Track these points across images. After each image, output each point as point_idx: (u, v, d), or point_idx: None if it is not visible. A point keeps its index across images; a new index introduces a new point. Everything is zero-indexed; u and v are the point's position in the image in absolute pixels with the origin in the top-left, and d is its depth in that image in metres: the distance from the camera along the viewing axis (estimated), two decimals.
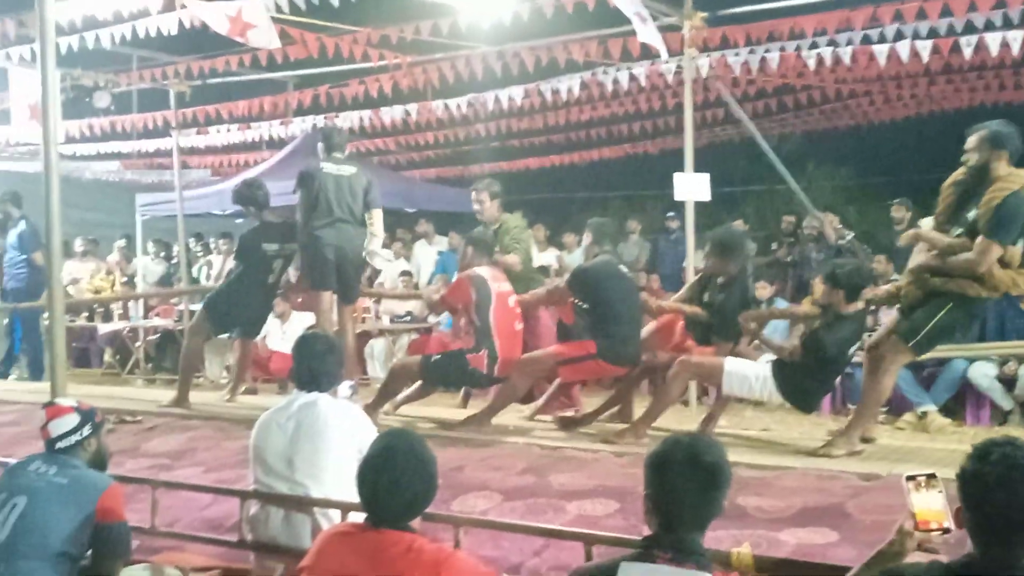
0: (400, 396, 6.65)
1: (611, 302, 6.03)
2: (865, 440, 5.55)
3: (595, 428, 6.27)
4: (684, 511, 2.47)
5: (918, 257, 5.43)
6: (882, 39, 9.44)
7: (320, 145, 7.24)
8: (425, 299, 7.12)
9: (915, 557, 2.47)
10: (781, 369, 5.54)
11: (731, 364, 5.66)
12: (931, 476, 2.51)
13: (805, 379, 5.52)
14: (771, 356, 5.79)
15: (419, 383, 6.65)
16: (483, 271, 6.32)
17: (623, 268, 6.35)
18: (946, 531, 2.43)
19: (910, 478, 2.51)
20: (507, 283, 6.45)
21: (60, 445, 3.77)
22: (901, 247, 9.70)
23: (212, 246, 13.23)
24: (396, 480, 2.77)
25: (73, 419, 3.82)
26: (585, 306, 6.12)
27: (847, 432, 5.43)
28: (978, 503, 2.28)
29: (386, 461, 2.81)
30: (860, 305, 5.47)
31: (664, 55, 8.24)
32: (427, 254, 12.03)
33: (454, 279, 6.54)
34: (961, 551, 2.34)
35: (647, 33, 7.80)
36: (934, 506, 2.45)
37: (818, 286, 7.17)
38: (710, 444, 2.57)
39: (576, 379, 6.48)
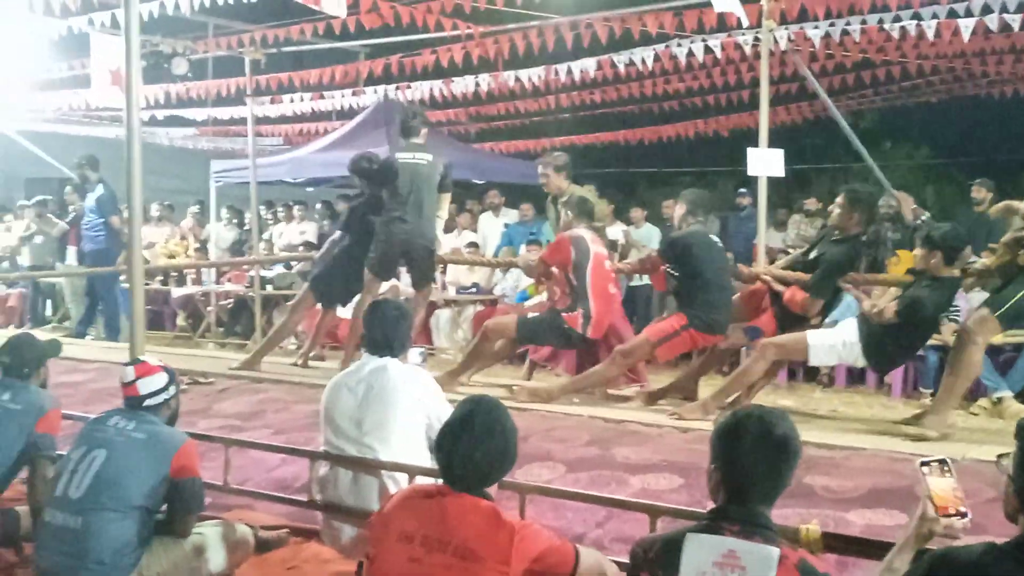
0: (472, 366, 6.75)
1: (702, 271, 6.05)
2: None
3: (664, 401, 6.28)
4: (753, 484, 2.45)
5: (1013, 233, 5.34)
6: (968, 13, 9.14)
7: (397, 130, 7.28)
8: (523, 264, 7.14)
9: (935, 543, 2.44)
10: (868, 332, 5.50)
11: (814, 337, 5.64)
12: (942, 461, 2.53)
13: (892, 342, 5.51)
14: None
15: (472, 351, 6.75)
16: (583, 232, 6.40)
17: (715, 238, 6.37)
18: (963, 515, 2.44)
19: (924, 464, 2.52)
20: (604, 247, 6.56)
21: (149, 403, 3.87)
22: (982, 225, 9.51)
23: (281, 213, 13.40)
24: (474, 445, 2.78)
25: (162, 378, 3.93)
26: (676, 274, 6.16)
27: (938, 411, 5.39)
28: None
29: (466, 425, 2.82)
30: (956, 272, 5.40)
31: (745, 21, 8.04)
32: (494, 226, 12.03)
33: (556, 239, 6.59)
34: (983, 536, 2.30)
35: (724, 1, 7.64)
36: (949, 491, 2.47)
37: (894, 264, 7.03)
38: (781, 417, 2.53)
39: (674, 356, 6.47)
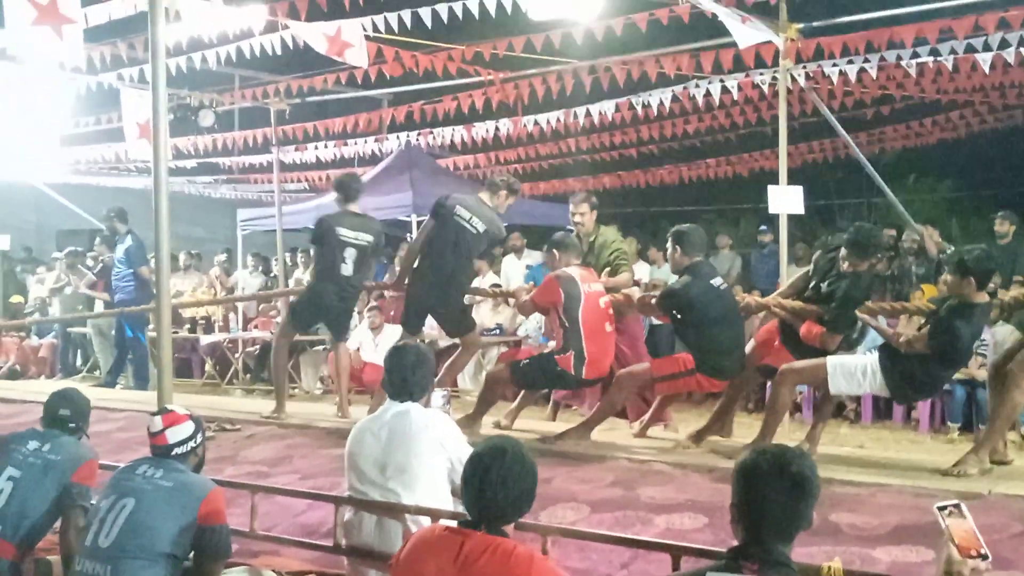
0: (513, 407, 6.87)
1: (705, 321, 5.90)
2: (999, 462, 5.38)
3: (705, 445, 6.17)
4: (770, 521, 2.46)
5: None
6: (987, 48, 9.18)
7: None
8: (515, 300, 7.04)
9: None
10: (892, 360, 5.35)
11: (834, 362, 5.50)
12: (956, 505, 2.54)
13: (922, 372, 5.33)
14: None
15: (522, 393, 6.81)
16: (572, 271, 6.30)
17: (715, 281, 6.08)
18: (984, 557, 2.44)
19: (940, 508, 2.53)
20: (598, 283, 6.43)
21: (177, 451, 3.91)
22: (1007, 257, 9.46)
23: (302, 259, 13.56)
24: (503, 478, 2.84)
25: (189, 427, 3.98)
26: (679, 316, 6.03)
27: (977, 450, 5.27)
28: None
29: (495, 458, 2.88)
30: (986, 297, 5.24)
31: (757, 37, 7.98)
32: (516, 268, 12.09)
33: (544, 280, 6.53)
34: (1013, 571, 2.30)
35: (747, 34, 7.65)
36: (969, 533, 2.48)
37: (917, 298, 6.99)
38: (798, 455, 2.55)
39: (673, 394, 6.42)
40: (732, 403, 6.51)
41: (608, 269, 6.95)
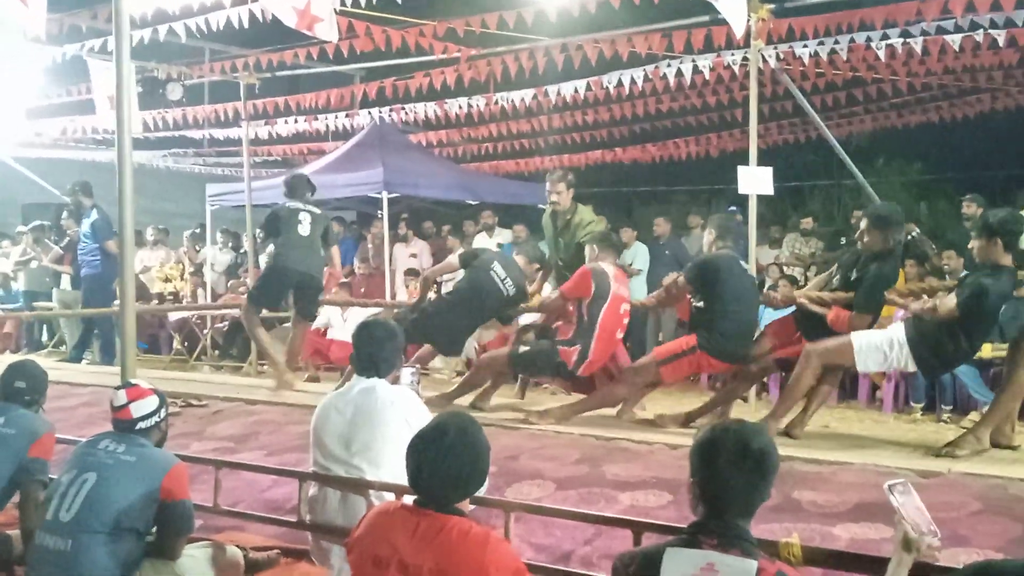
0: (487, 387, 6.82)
1: (726, 298, 5.90)
2: (1006, 446, 5.36)
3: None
4: (731, 497, 2.47)
5: None
6: (958, 29, 9.24)
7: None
8: (544, 304, 6.81)
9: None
10: (919, 331, 5.28)
11: (859, 339, 5.42)
12: (904, 483, 2.61)
13: (950, 340, 5.24)
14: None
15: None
16: (608, 267, 6.26)
17: (744, 265, 6.13)
18: (934, 533, 2.51)
19: (891, 486, 2.59)
20: (627, 288, 6.43)
21: (141, 426, 3.89)
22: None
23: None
24: (443, 457, 2.80)
25: (154, 401, 3.97)
26: (700, 303, 5.99)
27: (976, 430, 5.26)
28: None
29: (436, 438, 2.84)
30: (1010, 261, 5.16)
31: (740, 29, 7.97)
32: (488, 246, 12.07)
33: (577, 271, 6.40)
34: (969, 547, 2.35)
35: (731, 10, 7.61)
36: (918, 511, 2.54)
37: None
38: (758, 431, 2.56)
39: (679, 377, 6.35)
40: (735, 394, 6.45)
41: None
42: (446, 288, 8.03)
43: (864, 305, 5.62)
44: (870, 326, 5.64)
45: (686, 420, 6.21)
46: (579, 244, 7.01)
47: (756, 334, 6.22)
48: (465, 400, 6.70)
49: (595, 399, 6.30)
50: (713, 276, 5.92)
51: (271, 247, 7.99)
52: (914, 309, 5.42)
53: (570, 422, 6.14)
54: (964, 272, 5.53)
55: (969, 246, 5.66)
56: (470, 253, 7.05)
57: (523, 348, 6.44)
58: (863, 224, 5.75)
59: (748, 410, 7.11)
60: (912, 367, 5.45)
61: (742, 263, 6.10)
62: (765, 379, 7.90)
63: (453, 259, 7.11)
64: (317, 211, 7.76)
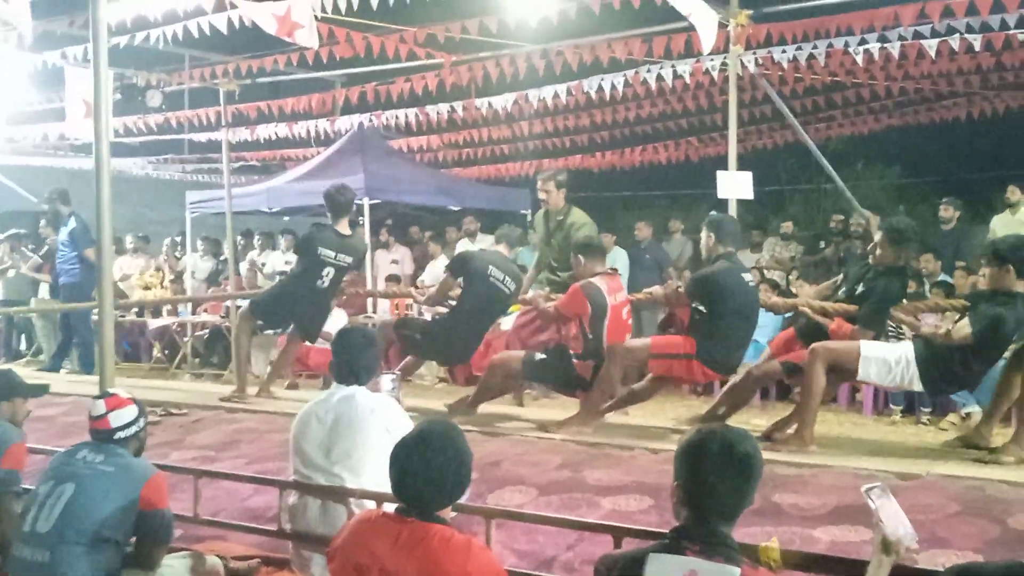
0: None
1: (726, 313, 5.75)
2: (984, 448, 5.34)
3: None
4: (716, 502, 2.46)
5: None
6: (935, 34, 9.32)
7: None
8: (538, 308, 6.63)
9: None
10: (930, 351, 5.20)
11: (868, 348, 5.33)
12: (881, 487, 2.65)
13: (961, 364, 5.17)
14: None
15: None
16: (599, 282, 6.11)
17: (746, 276, 5.97)
18: (911, 536, 2.54)
19: (869, 489, 2.62)
20: (623, 293, 6.30)
21: (120, 435, 3.85)
22: (950, 242, 9.63)
23: (258, 241, 13.44)
24: (427, 464, 2.80)
25: (133, 411, 3.93)
26: (702, 309, 5.84)
27: (1017, 438, 5.17)
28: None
29: (419, 444, 2.84)
30: (1022, 287, 5.10)
31: (709, 41, 8.03)
32: None
33: (570, 289, 6.26)
34: (947, 549, 2.37)
35: (703, 23, 7.65)
36: (897, 514, 2.57)
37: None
38: (744, 435, 2.55)
39: (661, 374, 6.11)
40: (741, 401, 6.21)
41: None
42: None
43: (868, 320, 5.52)
44: (875, 338, 5.54)
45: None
46: (573, 246, 7.00)
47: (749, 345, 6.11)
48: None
49: (600, 393, 6.05)
50: (715, 292, 5.77)
51: (296, 267, 7.60)
52: (925, 333, 5.36)
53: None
54: (970, 291, 5.44)
55: (980, 273, 5.60)
56: (459, 262, 6.88)
57: (539, 356, 6.29)
58: (877, 237, 5.65)
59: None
60: (917, 386, 5.32)
61: (744, 276, 5.89)
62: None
63: (448, 278, 6.91)
64: (345, 261, 7.33)
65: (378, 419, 4.07)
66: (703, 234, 6.02)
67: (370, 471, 4.02)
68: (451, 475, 2.84)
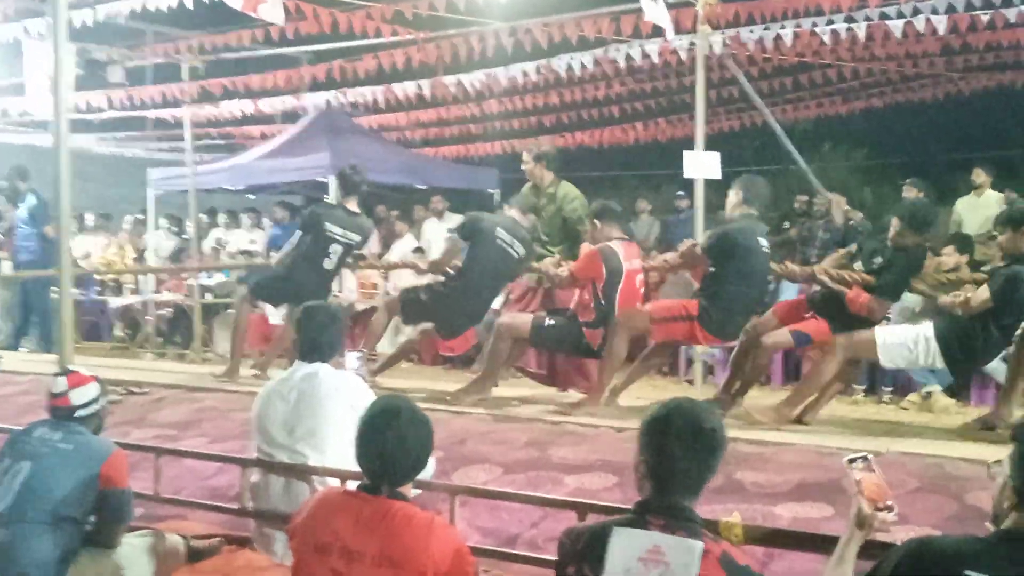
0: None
1: (736, 275, 5.68)
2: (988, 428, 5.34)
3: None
4: (680, 476, 2.46)
5: None
6: (900, 16, 9.36)
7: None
8: (549, 274, 6.50)
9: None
10: (948, 326, 5.20)
11: (883, 334, 5.32)
12: (865, 458, 2.63)
13: (979, 334, 5.16)
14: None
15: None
16: (616, 246, 5.99)
17: (762, 240, 5.85)
18: (890, 508, 2.53)
19: (851, 461, 2.61)
20: (638, 261, 6.18)
21: (80, 414, 3.83)
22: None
23: (223, 219, 13.29)
24: (402, 436, 2.80)
25: (94, 388, 3.90)
26: (713, 269, 5.76)
27: (1003, 407, 5.24)
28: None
29: (390, 419, 2.83)
30: None
31: (670, 34, 8.09)
32: (438, 231, 12.02)
33: (586, 252, 6.18)
34: (908, 525, 2.39)
35: (655, 11, 7.69)
36: (877, 486, 2.56)
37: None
38: (708, 410, 2.56)
39: (667, 338, 6.02)
40: (754, 377, 6.09)
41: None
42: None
43: (888, 289, 5.52)
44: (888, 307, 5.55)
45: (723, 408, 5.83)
46: (564, 219, 6.99)
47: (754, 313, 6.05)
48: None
49: (608, 366, 5.95)
50: (729, 250, 5.66)
51: (299, 244, 7.21)
52: (944, 303, 5.35)
53: (518, 404, 6.08)
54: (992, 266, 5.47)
55: (997, 240, 5.60)
56: (468, 226, 6.63)
57: (549, 322, 6.15)
58: (894, 223, 5.61)
59: (695, 392, 7.16)
60: (940, 364, 5.30)
61: (761, 239, 5.80)
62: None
63: (456, 241, 6.75)
64: (352, 239, 7.15)
65: (341, 396, 4.06)
66: (731, 191, 5.90)
67: (334, 449, 4.01)
68: (423, 448, 2.85)
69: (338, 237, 7.04)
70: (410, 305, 6.74)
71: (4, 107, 13.56)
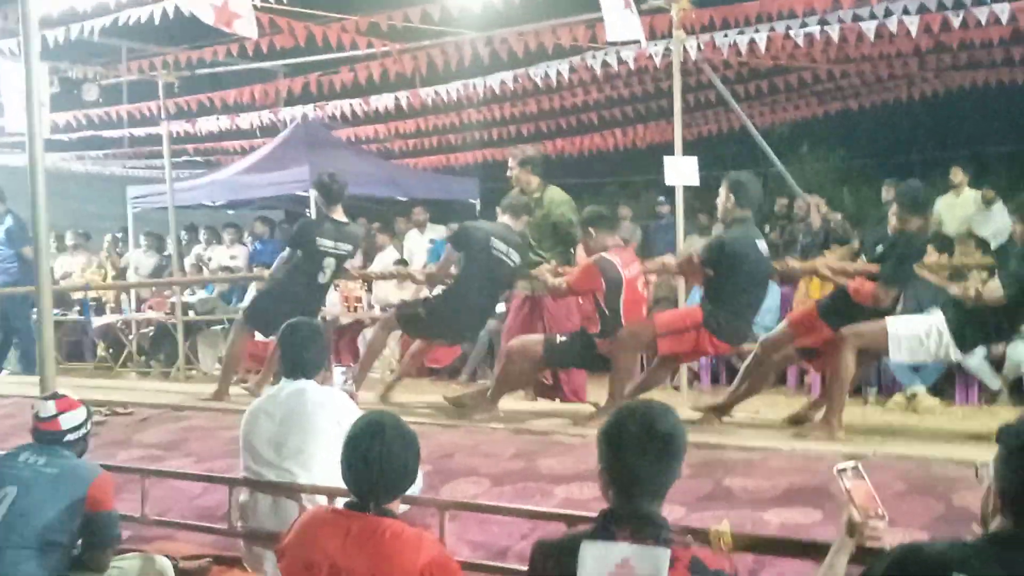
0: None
1: (738, 281, 5.64)
2: None
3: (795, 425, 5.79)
4: (640, 482, 2.44)
5: None
6: (872, 17, 9.44)
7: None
8: (548, 285, 6.34)
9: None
10: (960, 317, 5.11)
11: (895, 325, 5.20)
12: (855, 467, 2.60)
13: (990, 323, 5.13)
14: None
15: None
16: (612, 256, 5.91)
17: (761, 243, 5.79)
18: (881, 516, 2.51)
19: (841, 470, 2.58)
20: (636, 265, 6.09)
21: (69, 438, 3.81)
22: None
23: (204, 236, 13.20)
24: (387, 452, 2.78)
25: (82, 412, 3.90)
26: (713, 276, 5.71)
27: None
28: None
29: (375, 435, 2.82)
30: None
31: (643, 43, 8.10)
32: (419, 242, 12.02)
33: (582, 264, 6.15)
34: (894, 527, 2.38)
35: (621, 27, 7.63)
36: (867, 495, 2.54)
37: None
38: (664, 412, 2.54)
39: (675, 351, 5.93)
40: (761, 383, 6.08)
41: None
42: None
43: (891, 277, 5.40)
44: (894, 303, 5.47)
45: (720, 412, 5.93)
46: (554, 224, 6.93)
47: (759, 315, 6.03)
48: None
49: (619, 380, 5.84)
50: (729, 260, 5.62)
51: (290, 262, 7.03)
52: (955, 293, 5.29)
53: (500, 419, 6.06)
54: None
55: (1012, 232, 5.57)
56: (460, 234, 6.63)
57: (560, 338, 6.10)
58: (894, 208, 5.55)
59: (681, 399, 7.18)
60: (954, 355, 5.23)
61: (759, 244, 5.74)
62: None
63: (449, 252, 6.77)
64: (344, 249, 6.98)
65: (328, 413, 4.04)
66: (721, 193, 5.78)
67: (321, 466, 3.99)
68: (405, 465, 2.84)
69: (330, 250, 6.90)
70: (410, 321, 6.71)
71: None
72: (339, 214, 7.04)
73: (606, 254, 5.91)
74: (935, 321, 5.17)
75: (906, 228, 5.49)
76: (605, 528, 2.45)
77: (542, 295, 6.83)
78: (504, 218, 6.67)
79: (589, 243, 6.11)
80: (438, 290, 7.09)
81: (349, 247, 7.05)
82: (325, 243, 6.88)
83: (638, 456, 2.44)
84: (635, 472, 2.44)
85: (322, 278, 6.96)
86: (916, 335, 5.16)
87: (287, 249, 7.15)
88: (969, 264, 7.07)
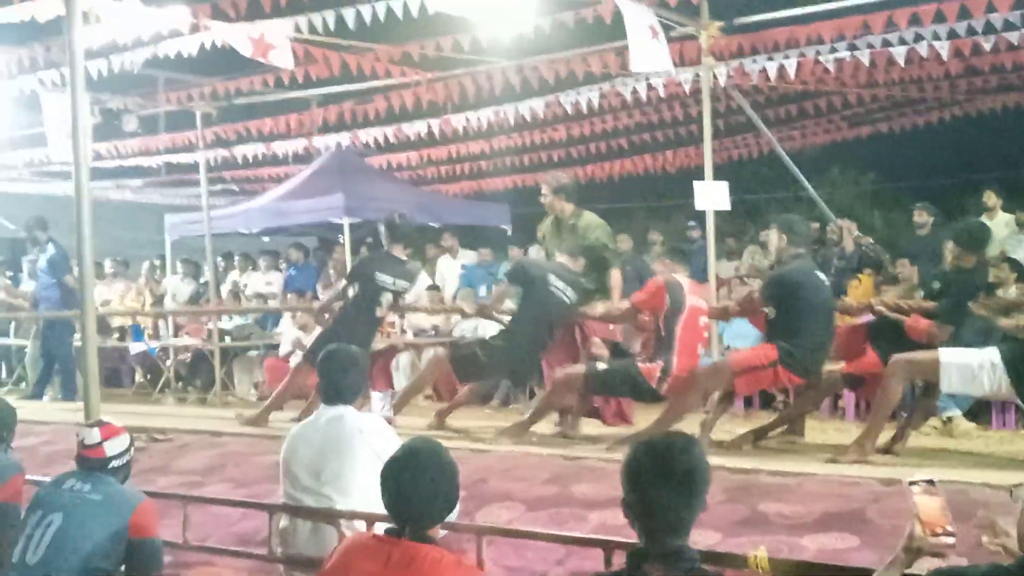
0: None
1: (803, 311, 5.66)
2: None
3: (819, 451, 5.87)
4: (662, 518, 2.40)
5: None
6: (902, 42, 9.45)
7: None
8: (610, 311, 6.54)
9: (924, 562, 2.49)
10: (1018, 352, 5.02)
11: (948, 355, 5.16)
12: (930, 482, 2.55)
13: None
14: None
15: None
16: (682, 279, 6.06)
17: (820, 274, 5.90)
18: (950, 534, 2.45)
19: (913, 483, 2.54)
20: (703, 301, 6.19)
21: (114, 464, 3.88)
22: (924, 247, 9.73)
23: (238, 262, 13.37)
24: (418, 477, 2.82)
25: (126, 439, 3.97)
26: (778, 312, 5.75)
27: None
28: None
29: (409, 460, 2.88)
30: None
31: (672, 70, 8.13)
32: (451, 268, 12.11)
33: (649, 282, 6.27)
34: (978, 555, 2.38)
35: (646, 57, 7.68)
36: (937, 510, 2.49)
37: (855, 288, 6.81)
38: (684, 448, 2.47)
39: (753, 390, 6.09)
40: (806, 406, 6.22)
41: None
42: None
43: (948, 315, 5.41)
44: (951, 339, 5.40)
45: (755, 438, 6.00)
46: (585, 248, 6.94)
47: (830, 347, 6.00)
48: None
49: (672, 413, 5.93)
50: (791, 291, 5.68)
51: (349, 295, 7.26)
52: (1007, 328, 5.25)
53: (536, 441, 6.12)
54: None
55: None
56: (518, 270, 6.78)
57: (601, 366, 6.17)
58: (950, 247, 5.62)
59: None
60: (1007, 391, 5.13)
61: (818, 274, 5.84)
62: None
63: (505, 286, 6.95)
64: (402, 286, 7.26)
65: (366, 439, 4.09)
66: (773, 235, 5.90)
67: (359, 492, 4.03)
68: (442, 491, 2.87)
69: (388, 286, 7.13)
70: (466, 363, 6.71)
71: (28, 157, 13.78)
72: (399, 252, 7.26)
73: (676, 275, 6.05)
74: (989, 355, 5.11)
75: (962, 265, 5.51)
76: (637, 567, 2.43)
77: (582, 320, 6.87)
78: (563, 258, 6.79)
79: (662, 268, 6.29)
80: (493, 329, 7.19)
81: (406, 284, 7.34)
82: (384, 279, 7.12)
83: (656, 494, 2.40)
84: (656, 509, 2.40)
85: (379, 312, 7.17)
86: (968, 366, 5.11)
87: (341, 281, 7.31)
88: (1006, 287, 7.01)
